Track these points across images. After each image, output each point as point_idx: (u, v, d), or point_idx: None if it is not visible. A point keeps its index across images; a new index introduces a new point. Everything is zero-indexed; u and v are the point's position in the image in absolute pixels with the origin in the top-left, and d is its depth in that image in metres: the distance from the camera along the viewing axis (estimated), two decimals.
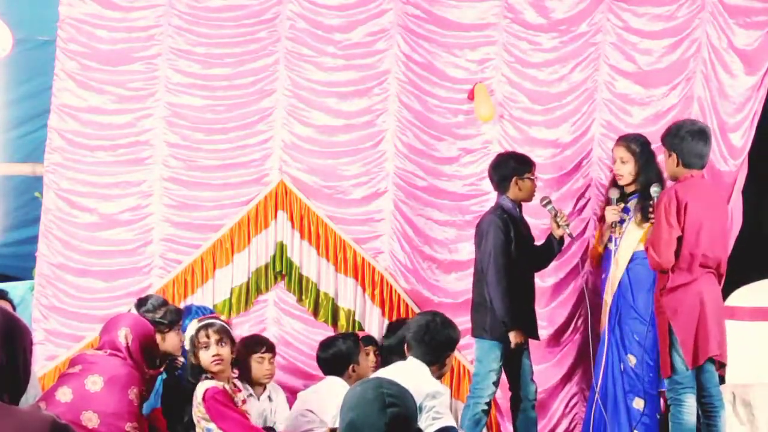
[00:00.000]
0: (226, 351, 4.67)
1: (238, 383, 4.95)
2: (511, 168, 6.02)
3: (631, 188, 6.08)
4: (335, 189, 6.61)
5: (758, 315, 6.56)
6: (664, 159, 5.74)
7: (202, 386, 4.60)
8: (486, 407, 5.86)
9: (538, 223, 6.35)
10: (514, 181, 5.99)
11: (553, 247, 6.13)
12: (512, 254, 5.88)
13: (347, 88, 6.62)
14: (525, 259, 5.97)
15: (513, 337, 5.81)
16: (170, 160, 6.52)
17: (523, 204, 6.12)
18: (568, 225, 6.08)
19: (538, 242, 6.21)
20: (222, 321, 4.82)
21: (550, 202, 6.13)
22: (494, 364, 5.86)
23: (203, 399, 4.54)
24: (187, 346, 4.73)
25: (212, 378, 4.62)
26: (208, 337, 4.65)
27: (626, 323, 5.97)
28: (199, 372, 4.66)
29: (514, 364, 5.94)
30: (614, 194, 6.06)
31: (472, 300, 6.03)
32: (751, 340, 6.42)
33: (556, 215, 6.05)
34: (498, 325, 5.84)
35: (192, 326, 4.75)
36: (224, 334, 4.70)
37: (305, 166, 6.59)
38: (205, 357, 4.63)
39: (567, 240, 6.19)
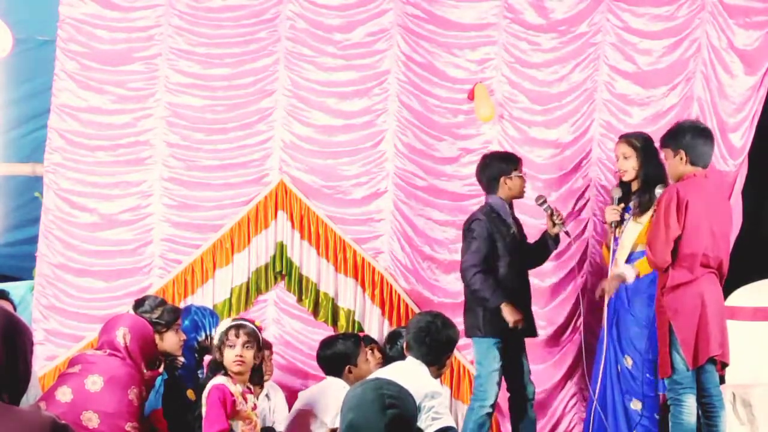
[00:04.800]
0: (249, 354, 4.68)
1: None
2: (497, 168, 5.98)
3: (636, 186, 6.04)
4: (335, 189, 6.61)
5: (758, 315, 6.55)
6: (666, 160, 5.71)
7: (214, 380, 4.61)
8: (491, 410, 5.81)
9: (537, 223, 6.34)
10: (503, 180, 5.96)
11: (548, 245, 6.08)
12: (498, 251, 5.83)
13: (347, 88, 6.62)
14: (516, 258, 5.92)
15: (508, 315, 5.66)
16: (170, 160, 6.53)
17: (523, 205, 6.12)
18: (563, 223, 6.05)
19: (532, 240, 6.17)
20: (254, 325, 4.82)
21: (545, 201, 6.10)
22: (495, 363, 5.81)
23: (208, 390, 4.56)
24: (216, 342, 4.74)
25: (229, 377, 4.63)
26: (237, 336, 4.65)
27: (623, 324, 5.96)
28: (218, 368, 4.67)
29: (512, 364, 5.91)
30: (617, 193, 6.04)
31: (465, 301, 5.97)
32: (751, 340, 6.41)
33: (552, 214, 6.02)
34: (492, 320, 5.75)
35: (224, 323, 4.78)
36: (253, 337, 4.70)
37: (305, 166, 6.59)
38: (229, 356, 4.64)
39: (564, 238, 6.16)
